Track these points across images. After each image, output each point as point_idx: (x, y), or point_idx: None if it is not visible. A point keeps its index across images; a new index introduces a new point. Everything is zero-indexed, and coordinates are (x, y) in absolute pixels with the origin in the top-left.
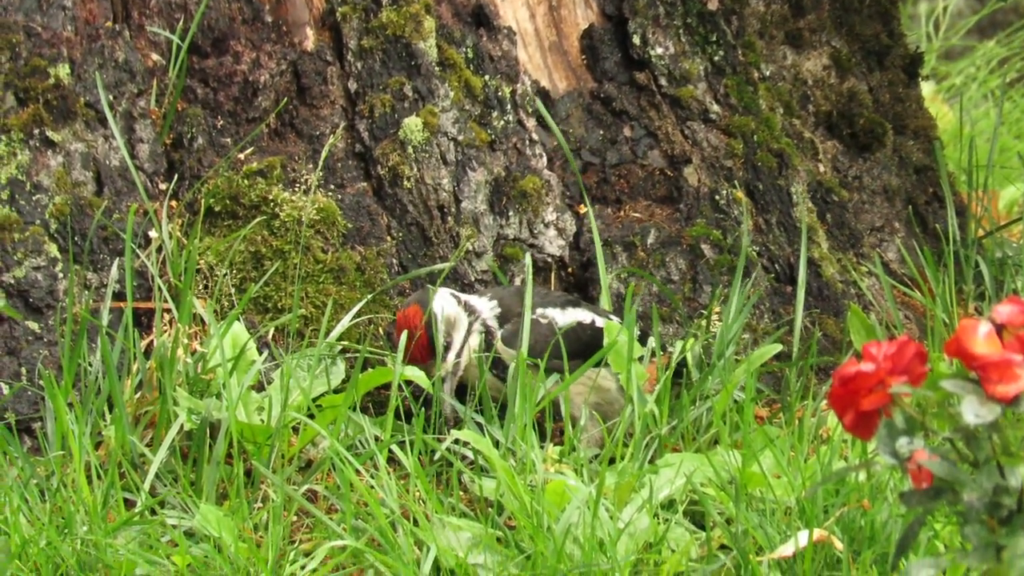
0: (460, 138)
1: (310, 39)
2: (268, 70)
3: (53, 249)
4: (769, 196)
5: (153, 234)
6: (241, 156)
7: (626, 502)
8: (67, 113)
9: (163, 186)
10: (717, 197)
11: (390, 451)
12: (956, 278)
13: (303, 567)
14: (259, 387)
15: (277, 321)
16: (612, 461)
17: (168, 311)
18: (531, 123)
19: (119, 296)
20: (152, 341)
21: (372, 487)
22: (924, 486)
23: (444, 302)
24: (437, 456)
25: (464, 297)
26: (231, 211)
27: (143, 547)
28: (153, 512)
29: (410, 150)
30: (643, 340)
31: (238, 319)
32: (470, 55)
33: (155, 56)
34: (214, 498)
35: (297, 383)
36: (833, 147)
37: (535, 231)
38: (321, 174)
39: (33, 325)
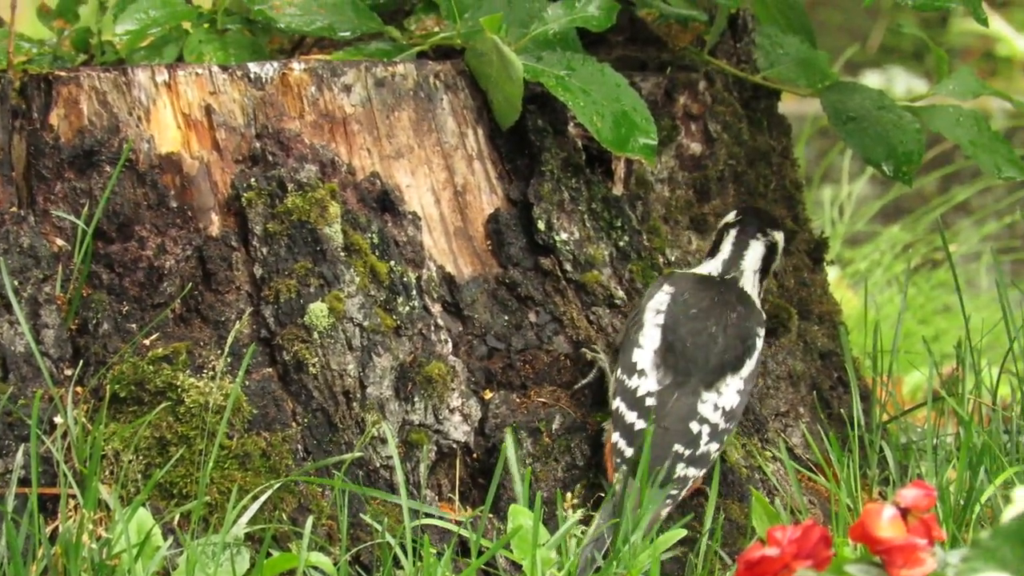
0: (365, 323)
1: (215, 224)
2: (173, 255)
3: None
4: None
5: (58, 420)
6: (146, 342)
7: None
8: None
9: (68, 372)
10: None
11: None
12: (861, 463)
13: None
14: (164, 574)
15: (182, 507)
16: None
17: (73, 497)
18: (436, 308)
19: (24, 482)
20: (57, 527)
21: None
22: None
23: None
24: None
25: None
26: (136, 397)
27: None
28: None
29: (315, 335)
30: None
31: (143, 505)
32: (375, 240)
33: (60, 241)
34: None
35: (202, 570)
36: None
37: (440, 417)
38: (227, 360)
39: None
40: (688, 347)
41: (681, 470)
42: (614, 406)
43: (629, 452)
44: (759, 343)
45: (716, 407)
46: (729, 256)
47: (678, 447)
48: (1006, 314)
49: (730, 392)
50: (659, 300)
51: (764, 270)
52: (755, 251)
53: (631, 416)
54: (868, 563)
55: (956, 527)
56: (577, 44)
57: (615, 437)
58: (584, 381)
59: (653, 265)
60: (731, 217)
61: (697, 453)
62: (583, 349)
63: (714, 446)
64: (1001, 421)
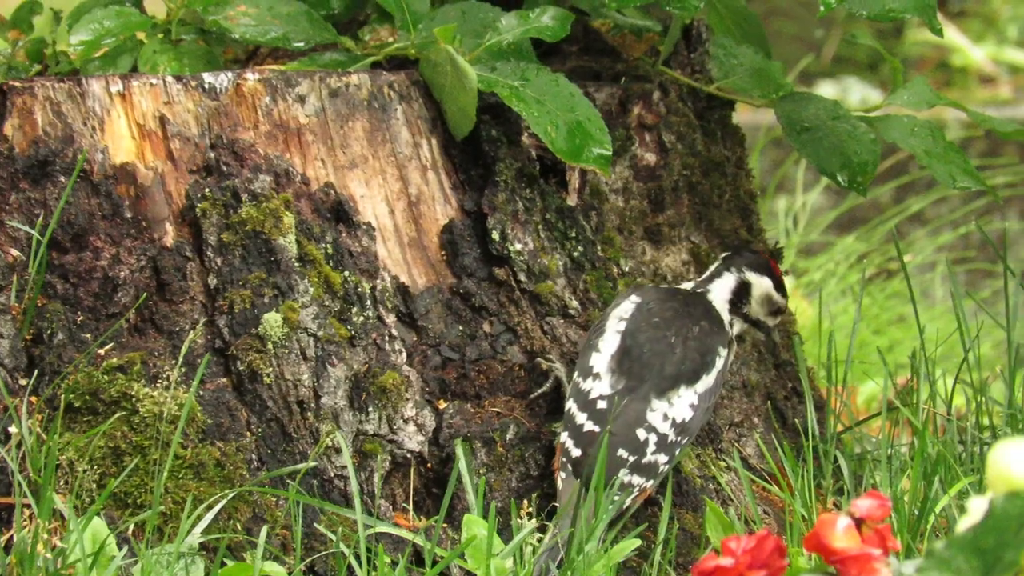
0: (320, 334)
1: (170, 234)
2: (128, 266)
3: None
4: None
5: (13, 430)
6: (101, 352)
7: None
8: None
9: (23, 381)
10: None
11: None
12: (815, 473)
13: None
14: None
15: (137, 517)
16: None
17: (28, 506)
18: (391, 319)
19: None
20: (12, 537)
21: None
22: None
23: None
24: None
25: None
26: (91, 407)
27: None
28: None
29: (270, 346)
30: None
31: (98, 515)
32: (330, 251)
33: (15, 252)
34: None
35: None
36: None
37: (394, 427)
38: (182, 370)
39: None
40: (645, 353)
41: (624, 476)
42: (567, 407)
43: (576, 453)
44: (720, 362)
45: (666, 417)
46: (704, 278)
47: (622, 452)
48: (961, 324)
49: (682, 404)
50: (624, 308)
51: (735, 304)
52: (725, 281)
53: (581, 418)
54: (823, 573)
55: (911, 537)
56: (531, 54)
57: (563, 437)
58: (539, 391)
59: (607, 275)
60: (727, 252)
61: (643, 461)
62: (539, 359)
63: (662, 457)
64: (956, 431)
